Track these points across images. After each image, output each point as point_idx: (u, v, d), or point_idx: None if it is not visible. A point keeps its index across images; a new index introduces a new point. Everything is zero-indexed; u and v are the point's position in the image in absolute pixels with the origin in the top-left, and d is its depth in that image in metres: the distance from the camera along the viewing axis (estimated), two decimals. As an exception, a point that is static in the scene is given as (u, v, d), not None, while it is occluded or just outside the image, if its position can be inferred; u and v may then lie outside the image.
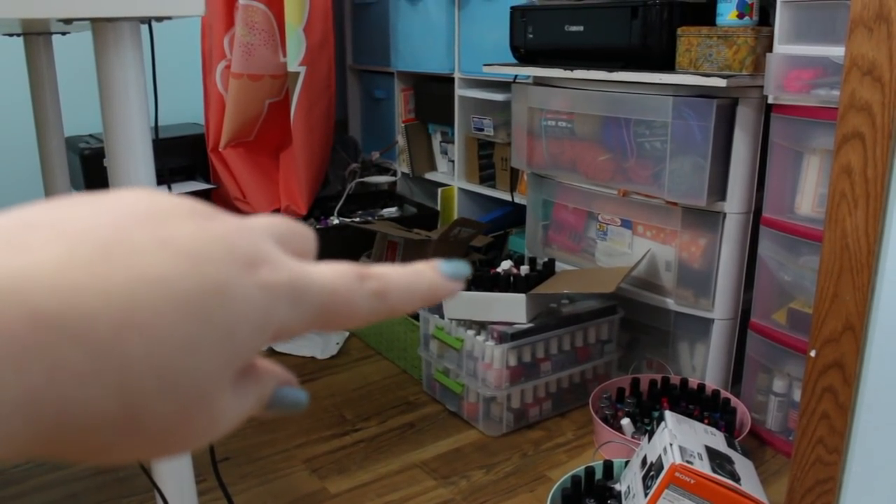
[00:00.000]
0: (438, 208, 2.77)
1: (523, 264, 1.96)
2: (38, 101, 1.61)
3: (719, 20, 1.67)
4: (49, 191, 1.66)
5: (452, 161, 2.77)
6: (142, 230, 0.22)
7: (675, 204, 1.80)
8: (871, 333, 1.10)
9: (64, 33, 1.66)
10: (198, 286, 0.22)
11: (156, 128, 1.12)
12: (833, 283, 1.12)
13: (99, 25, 0.89)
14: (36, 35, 1.58)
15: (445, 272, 0.29)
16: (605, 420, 1.73)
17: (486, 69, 2.18)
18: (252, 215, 0.27)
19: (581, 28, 1.89)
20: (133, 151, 0.95)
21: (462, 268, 0.29)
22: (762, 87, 1.60)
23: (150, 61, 1.22)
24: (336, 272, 0.26)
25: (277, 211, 2.76)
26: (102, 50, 0.90)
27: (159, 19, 0.90)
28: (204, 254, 0.23)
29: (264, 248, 0.25)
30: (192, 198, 0.25)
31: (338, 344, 2.29)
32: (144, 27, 1.00)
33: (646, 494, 1.31)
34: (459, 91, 2.59)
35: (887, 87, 1.00)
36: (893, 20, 0.98)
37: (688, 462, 1.28)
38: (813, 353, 1.18)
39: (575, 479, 1.46)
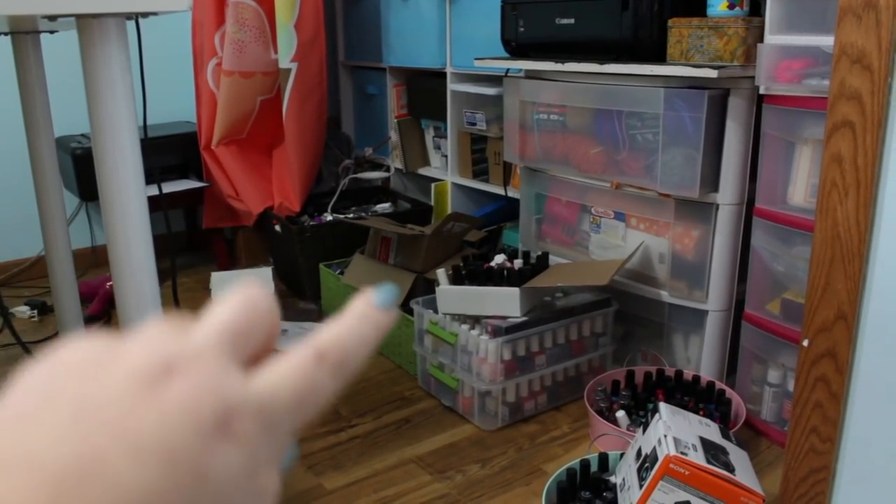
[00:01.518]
0: (432, 203, 2.77)
1: (517, 258, 1.96)
2: (27, 100, 1.60)
3: (710, 11, 1.67)
4: (40, 191, 1.65)
5: (445, 156, 2.76)
6: (99, 429, 0.21)
7: (667, 196, 1.80)
8: (863, 322, 1.10)
9: (52, 32, 1.65)
10: (177, 485, 0.22)
11: (144, 125, 1.12)
12: (825, 273, 1.12)
13: (83, 22, 0.89)
14: (24, 34, 1.57)
15: (380, 303, 0.29)
16: (600, 413, 1.73)
17: (477, 63, 2.18)
18: (209, 321, 0.26)
19: (572, 21, 1.89)
20: (121, 150, 0.94)
21: (391, 291, 0.29)
22: (753, 77, 1.59)
23: (138, 59, 1.21)
24: (295, 368, 0.26)
25: (271, 208, 2.76)
26: (88, 46, 0.90)
27: (144, 15, 0.90)
28: (172, 444, 0.22)
29: (226, 391, 0.24)
30: (127, 345, 0.24)
31: (333, 340, 2.29)
32: (133, 25, 0.99)
33: (641, 486, 1.31)
34: (451, 86, 2.59)
35: (876, 74, 1.00)
36: (882, 8, 0.97)
37: (682, 453, 1.28)
38: (806, 343, 1.18)
39: (570, 472, 1.46)
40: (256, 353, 0.27)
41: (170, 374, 0.23)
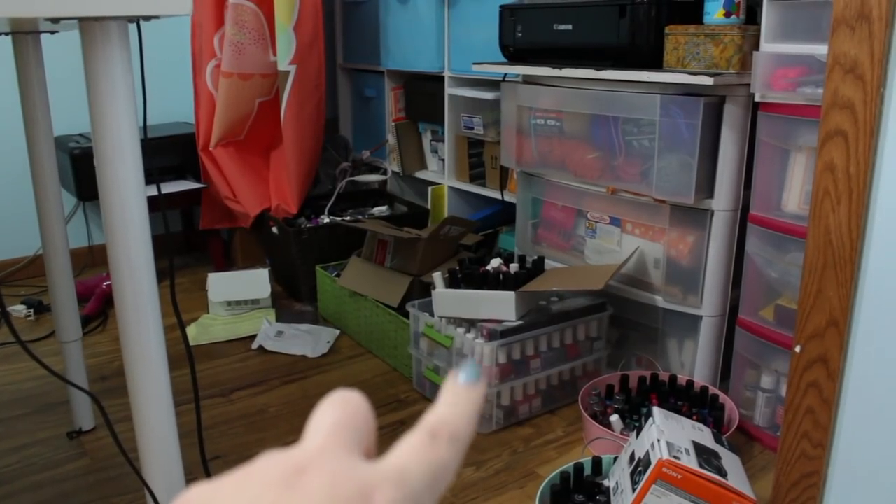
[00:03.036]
0: (429, 207, 2.78)
1: (513, 262, 1.97)
2: (27, 100, 1.61)
3: (706, 19, 1.69)
4: (38, 190, 1.65)
5: (442, 160, 2.77)
6: None
7: (663, 201, 1.81)
8: (854, 328, 1.11)
9: (53, 32, 1.65)
10: None
11: (144, 126, 1.13)
12: (817, 279, 1.13)
13: (86, 24, 0.89)
14: (24, 34, 1.58)
15: (466, 381, 0.30)
16: (594, 417, 1.74)
17: (475, 68, 2.19)
18: (316, 425, 0.27)
19: (570, 27, 1.90)
20: (121, 150, 0.95)
21: (472, 368, 0.31)
22: (749, 85, 1.61)
23: (139, 60, 1.22)
24: (415, 448, 0.27)
25: (268, 210, 2.76)
26: (90, 49, 0.91)
27: (147, 18, 0.91)
28: None
29: (359, 471, 0.25)
30: (267, 461, 0.25)
31: (328, 343, 2.30)
32: (133, 26, 1.00)
33: (633, 490, 1.32)
34: (449, 90, 2.60)
35: (869, 84, 1.01)
36: (875, 19, 0.99)
37: (675, 457, 1.29)
38: (798, 349, 1.19)
39: (564, 476, 1.47)
40: (366, 450, 0.28)
41: (302, 473, 0.24)
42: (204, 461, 1.37)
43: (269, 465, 0.25)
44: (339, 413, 0.28)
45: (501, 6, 2.08)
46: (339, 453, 0.26)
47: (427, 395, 1.97)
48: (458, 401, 0.30)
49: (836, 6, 1.03)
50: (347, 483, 0.25)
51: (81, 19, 0.88)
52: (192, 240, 3.23)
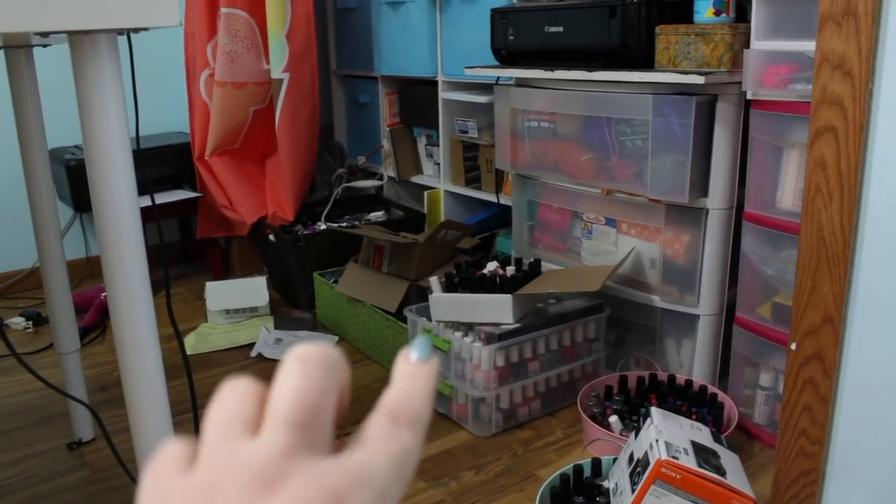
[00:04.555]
0: (425, 211, 2.78)
1: (509, 265, 1.97)
2: (21, 113, 1.61)
3: (696, 18, 1.69)
4: (34, 203, 1.66)
5: (438, 164, 2.78)
6: None
7: (657, 201, 1.81)
8: (849, 324, 1.12)
9: (45, 45, 1.66)
10: None
11: (136, 137, 1.13)
12: (811, 276, 1.14)
13: (75, 38, 0.90)
14: (16, 48, 1.58)
15: (419, 358, 0.31)
16: (593, 418, 1.74)
17: (468, 72, 2.19)
18: (277, 406, 0.27)
19: (561, 29, 1.91)
20: (113, 162, 0.95)
21: (424, 343, 0.31)
22: (741, 83, 1.61)
23: (130, 72, 1.22)
24: (377, 437, 0.27)
25: (265, 218, 2.76)
26: (80, 62, 0.91)
27: (135, 30, 0.91)
28: None
29: (327, 479, 0.25)
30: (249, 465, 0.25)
31: (327, 349, 2.29)
32: (124, 38, 1.00)
33: (633, 491, 1.32)
34: (443, 94, 2.60)
35: (857, 80, 1.01)
36: (861, 15, 0.99)
37: (673, 457, 1.29)
38: (793, 346, 1.19)
39: (564, 478, 1.47)
40: (338, 404, 0.28)
41: (269, 488, 0.25)
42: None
43: (235, 472, 0.25)
44: (301, 394, 0.27)
45: (493, 10, 2.08)
46: (308, 460, 0.26)
47: (426, 399, 1.97)
48: (412, 380, 0.30)
49: (823, 3, 1.04)
50: (318, 494, 0.25)
51: (70, 33, 0.88)
52: (189, 249, 3.23)
